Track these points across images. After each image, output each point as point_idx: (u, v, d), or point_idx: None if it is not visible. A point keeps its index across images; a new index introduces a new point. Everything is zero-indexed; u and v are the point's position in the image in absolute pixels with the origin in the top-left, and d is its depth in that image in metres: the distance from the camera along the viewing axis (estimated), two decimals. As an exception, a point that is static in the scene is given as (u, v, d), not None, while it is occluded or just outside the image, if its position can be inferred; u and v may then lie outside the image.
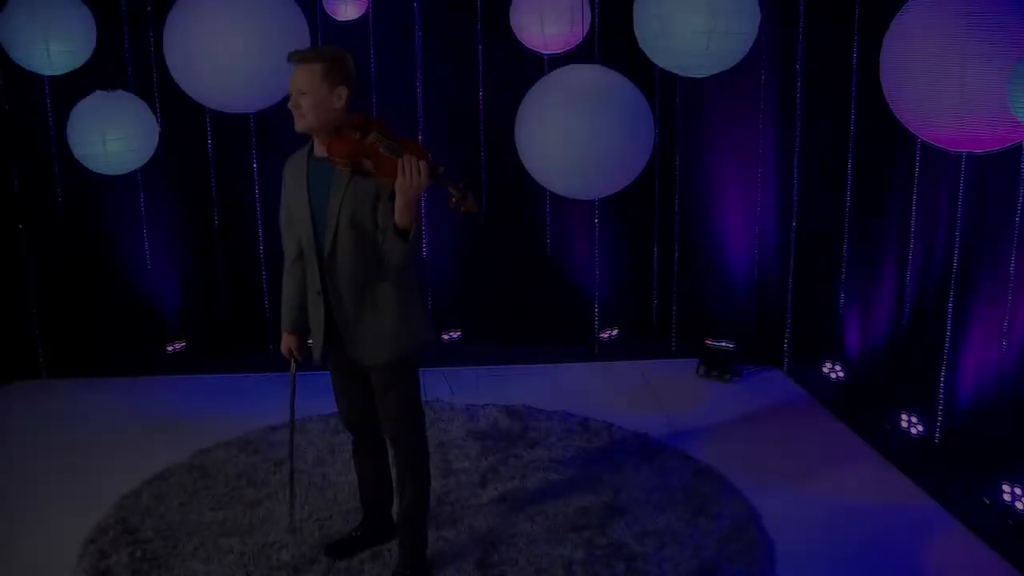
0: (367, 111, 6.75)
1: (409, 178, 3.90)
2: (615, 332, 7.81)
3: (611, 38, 6.60)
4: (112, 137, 5.88)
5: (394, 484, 4.70)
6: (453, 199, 4.08)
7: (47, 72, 6.12)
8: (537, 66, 6.48)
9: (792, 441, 6.17)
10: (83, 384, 7.28)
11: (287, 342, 4.57)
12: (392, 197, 3.98)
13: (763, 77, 6.77)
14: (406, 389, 4.40)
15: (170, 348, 7.62)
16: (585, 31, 6.40)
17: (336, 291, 4.22)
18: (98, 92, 6.00)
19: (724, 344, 7.32)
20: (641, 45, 5.17)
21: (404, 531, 4.62)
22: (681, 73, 5.20)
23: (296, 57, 4.11)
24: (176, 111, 6.77)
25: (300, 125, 4.11)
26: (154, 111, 6.35)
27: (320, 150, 4.18)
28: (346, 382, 4.53)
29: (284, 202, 4.36)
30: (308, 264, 4.30)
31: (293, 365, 4.61)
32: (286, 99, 4.13)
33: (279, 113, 6.06)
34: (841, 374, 6.69)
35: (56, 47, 5.94)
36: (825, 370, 6.80)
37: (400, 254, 4.04)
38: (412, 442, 4.51)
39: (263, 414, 6.46)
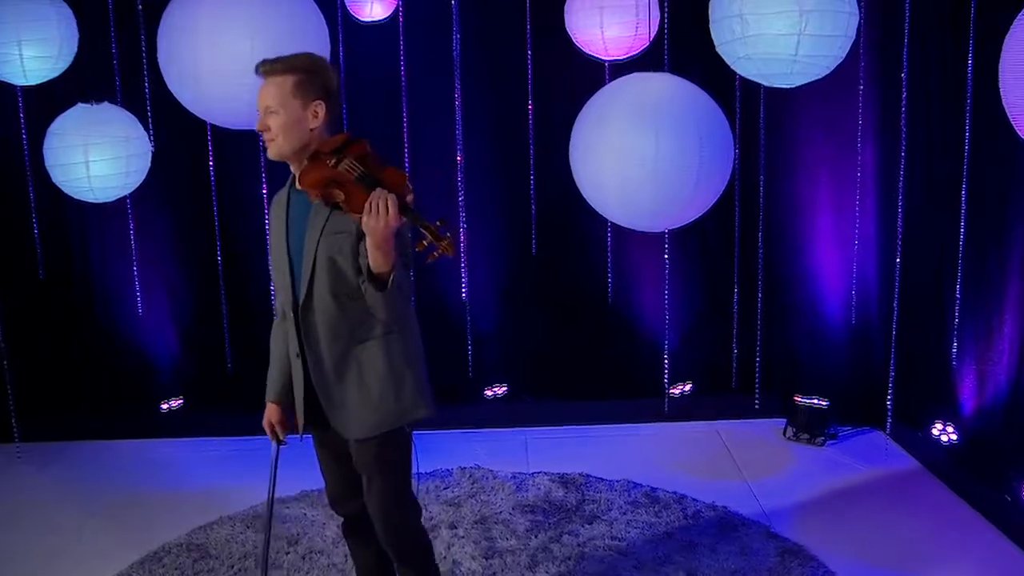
0: (356, 130, 6.73)
1: (375, 217, 3.72)
2: (688, 387, 7.84)
3: (683, 42, 6.62)
4: (97, 158, 5.85)
5: None
6: (425, 241, 3.86)
7: (20, 82, 6.05)
8: (597, 74, 6.55)
9: (896, 515, 6.18)
10: (62, 448, 7.36)
11: (269, 415, 4.41)
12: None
13: (862, 87, 6.80)
14: (392, 473, 4.26)
15: (165, 406, 7.70)
16: (652, 34, 6.44)
17: (314, 351, 4.10)
18: (80, 105, 6.01)
19: (816, 401, 7.34)
20: (718, 50, 5.22)
21: None
22: (765, 83, 5.24)
23: (262, 68, 4.00)
24: (172, 127, 6.77)
25: (271, 151, 4.01)
26: (146, 127, 6.35)
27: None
28: (331, 459, 4.44)
29: (270, 248, 4.27)
30: (288, 321, 4.18)
31: (275, 446, 4.45)
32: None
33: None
34: (954, 437, 6.67)
35: (31, 52, 5.88)
36: (935, 432, 6.78)
37: (379, 307, 3.93)
38: (402, 538, 4.40)
39: (273, 483, 6.53)
